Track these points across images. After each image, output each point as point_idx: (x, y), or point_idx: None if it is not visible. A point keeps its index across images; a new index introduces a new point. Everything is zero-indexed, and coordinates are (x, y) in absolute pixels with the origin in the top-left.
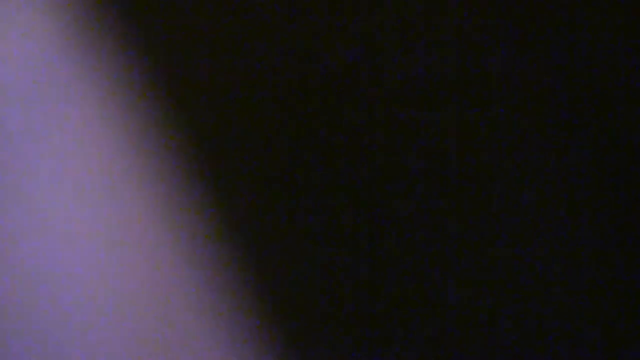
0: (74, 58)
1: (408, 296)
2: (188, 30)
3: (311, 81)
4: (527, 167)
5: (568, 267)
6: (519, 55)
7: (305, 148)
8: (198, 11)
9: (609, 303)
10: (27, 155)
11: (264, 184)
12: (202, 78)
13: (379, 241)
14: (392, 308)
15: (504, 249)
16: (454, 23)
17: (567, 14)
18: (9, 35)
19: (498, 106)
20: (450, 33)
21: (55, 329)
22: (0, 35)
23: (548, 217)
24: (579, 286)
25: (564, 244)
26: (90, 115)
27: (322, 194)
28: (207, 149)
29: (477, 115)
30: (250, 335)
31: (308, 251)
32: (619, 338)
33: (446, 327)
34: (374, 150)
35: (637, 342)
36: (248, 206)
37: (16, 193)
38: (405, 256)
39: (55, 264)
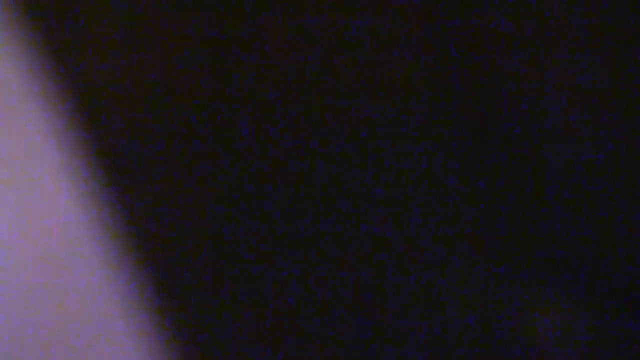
0: None
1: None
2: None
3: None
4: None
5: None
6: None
7: (211, 148)
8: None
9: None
10: None
11: (180, 186)
12: (117, 73)
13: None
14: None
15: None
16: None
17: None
18: None
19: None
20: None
21: None
22: None
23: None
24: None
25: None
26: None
27: (233, 193)
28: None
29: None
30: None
31: (223, 254)
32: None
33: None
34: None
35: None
36: (163, 209)
37: None
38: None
39: None
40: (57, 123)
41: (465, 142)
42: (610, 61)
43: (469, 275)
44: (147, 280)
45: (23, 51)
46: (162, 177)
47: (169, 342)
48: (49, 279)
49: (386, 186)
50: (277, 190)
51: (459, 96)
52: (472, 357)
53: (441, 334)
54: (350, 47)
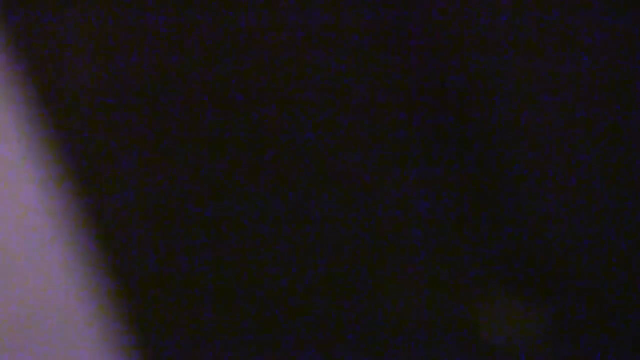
0: None
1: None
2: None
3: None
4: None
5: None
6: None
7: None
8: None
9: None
10: None
11: (135, 187)
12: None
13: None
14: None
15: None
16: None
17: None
18: None
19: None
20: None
21: None
22: None
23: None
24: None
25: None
26: None
27: (200, 194)
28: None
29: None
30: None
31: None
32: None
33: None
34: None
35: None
36: (118, 209)
37: None
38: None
39: None
40: (25, 123)
41: (425, 142)
42: (576, 60)
43: (426, 274)
44: (111, 280)
45: None
46: (128, 177)
47: (130, 339)
48: (11, 275)
49: (348, 187)
50: (244, 192)
51: (418, 95)
52: (429, 354)
53: (398, 332)
54: (313, 49)
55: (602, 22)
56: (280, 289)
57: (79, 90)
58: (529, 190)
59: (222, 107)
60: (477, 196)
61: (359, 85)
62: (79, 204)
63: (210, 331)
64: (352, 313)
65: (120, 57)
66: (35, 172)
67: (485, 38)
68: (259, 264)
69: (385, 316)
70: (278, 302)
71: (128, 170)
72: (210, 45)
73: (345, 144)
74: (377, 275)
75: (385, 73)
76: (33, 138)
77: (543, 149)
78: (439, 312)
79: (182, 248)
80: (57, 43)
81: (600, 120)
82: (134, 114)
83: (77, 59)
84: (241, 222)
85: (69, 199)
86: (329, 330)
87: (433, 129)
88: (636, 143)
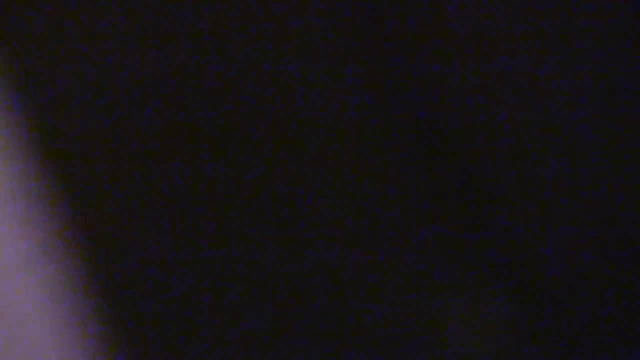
0: None
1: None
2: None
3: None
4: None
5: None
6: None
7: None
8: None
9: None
10: None
11: (115, 186)
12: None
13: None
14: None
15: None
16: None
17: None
18: None
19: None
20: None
21: None
22: None
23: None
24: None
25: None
26: None
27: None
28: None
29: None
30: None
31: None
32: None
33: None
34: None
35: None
36: (99, 208)
37: None
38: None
39: None
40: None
41: (394, 136)
42: (548, 58)
43: (399, 274)
44: (93, 281)
45: None
46: (115, 179)
47: (113, 343)
48: None
49: (318, 182)
50: (209, 188)
51: (390, 92)
52: (395, 347)
53: (371, 333)
54: (280, 48)
55: (586, 29)
56: (266, 289)
57: (66, 95)
58: (504, 190)
59: (216, 109)
60: (452, 196)
61: (338, 90)
62: (62, 201)
63: (202, 333)
64: (328, 314)
65: (111, 57)
66: (14, 166)
67: (466, 42)
68: (231, 263)
69: (359, 317)
70: (257, 303)
71: (114, 171)
72: (207, 46)
73: (328, 147)
74: (351, 275)
75: (363, 77)
76: (17, 134)
77: (519, 149)
78: (412, 312)
79: (170, 250)
80: (46, 40)
81: (574, 125)
82: (122, 113)
83: (66, 56)
84: (217, 219)
85: (51, 198)
86: (307, 330)
87: (409, 129)
88: (604, 146)
